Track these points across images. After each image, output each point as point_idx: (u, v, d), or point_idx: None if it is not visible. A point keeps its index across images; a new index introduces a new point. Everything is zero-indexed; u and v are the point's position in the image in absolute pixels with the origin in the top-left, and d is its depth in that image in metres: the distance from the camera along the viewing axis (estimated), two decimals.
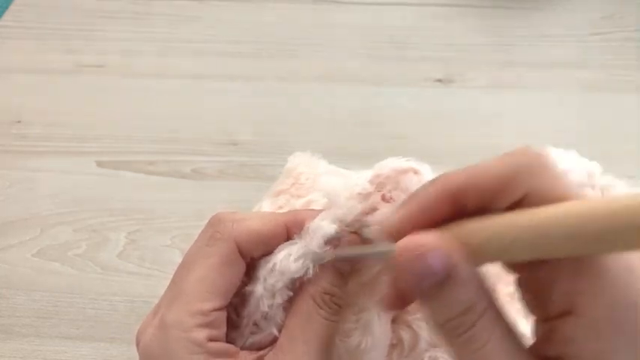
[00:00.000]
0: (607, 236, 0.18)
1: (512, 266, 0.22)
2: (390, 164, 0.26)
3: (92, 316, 0.40)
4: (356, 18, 0.59)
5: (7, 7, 0.60)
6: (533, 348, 0.21)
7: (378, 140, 0.50)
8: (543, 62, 0.55)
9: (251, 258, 0.27)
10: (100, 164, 0.49)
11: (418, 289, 0.20)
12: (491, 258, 0.20)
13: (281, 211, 0.32)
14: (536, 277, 0.21)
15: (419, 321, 0.34)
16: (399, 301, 0.23)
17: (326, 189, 0.27)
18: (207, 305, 0.25)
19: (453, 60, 0.55)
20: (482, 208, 0.20)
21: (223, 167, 0.48)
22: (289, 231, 0.27)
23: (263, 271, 0.26)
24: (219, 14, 0.60)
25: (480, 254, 0.20)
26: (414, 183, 0.26)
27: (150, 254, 0.43)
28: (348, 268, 0.27)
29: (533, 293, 0.22)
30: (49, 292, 0.42)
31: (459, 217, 0.21)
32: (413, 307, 0.34)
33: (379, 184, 0.26)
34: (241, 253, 0.26)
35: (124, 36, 0.58)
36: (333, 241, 0.26)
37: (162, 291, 0.27)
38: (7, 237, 0.45)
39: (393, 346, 0.33)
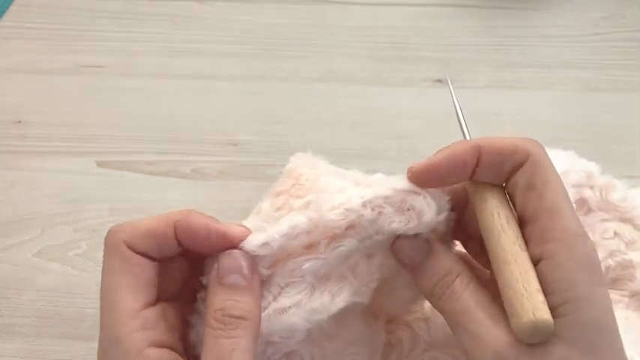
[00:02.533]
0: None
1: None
2: (392, 184, 0.27)
3: (92, 316, 0.40)
4: (356, 18, 0.59)
5: (7, 8, 0.60)
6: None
7: (378, 140, 0.50)
8: (543, 62, 0.55)
9: (151, 257, 0.27)
10: (100, 164, 0.49)
11: (412, 263, 0.27)
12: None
13: (280, 212, 0.32)
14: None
15: (419, 321, 0.34)
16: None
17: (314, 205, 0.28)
18: (134, 305, 0.26)
19: (453, 60, 0.55)
20: (494, 165, 0.27)
21: (223, 167, 0.48)
22: (177, 230, 0.27)
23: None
24: (219, 14, 0.60)
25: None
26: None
27: None
28: (243, 282, 0.26)
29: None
30: (49, 292, 0.42)
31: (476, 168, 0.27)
32: (413, 307, 0.34)
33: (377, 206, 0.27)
34: (135, 251, 0.26)
35: (124, 36, 0.58)
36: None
37: None
38: (7, 237, 0.45)
39: (392, 345, 0.33)
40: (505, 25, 0.58)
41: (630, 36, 0.56)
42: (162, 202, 0.46)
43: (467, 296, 0.26)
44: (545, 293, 0.23)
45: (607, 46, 0.56)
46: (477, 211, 0.26)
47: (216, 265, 0.26)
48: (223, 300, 0.26)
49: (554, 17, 0.58)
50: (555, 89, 0.53)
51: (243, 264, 0.26)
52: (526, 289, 0.23)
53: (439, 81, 0.54)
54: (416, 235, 0.27)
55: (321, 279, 0.27)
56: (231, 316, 0.25)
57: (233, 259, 0.26)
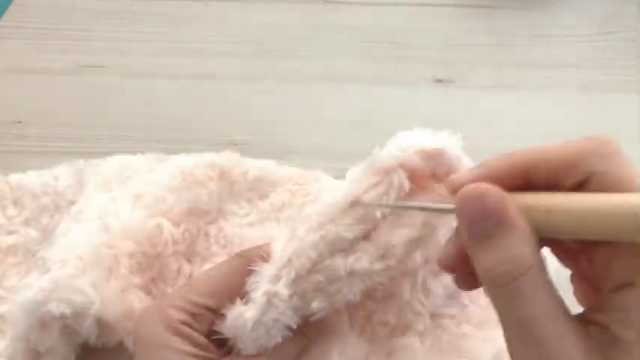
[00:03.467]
0: None
1: (572, 242, 0.23)
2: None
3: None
4: (356, 18, 0.59)
5: (6, 8, 0.60)
6: (582, 314, 0.22)
7: (378, 140, 0.49)
8: (543, 62, 0.55)
9: None
10: None
11: (471, 230, 0.21)
12: (551, 231, 0.22)
13: (280, 214, 0.32)
14: (597, 251, 0.22)
15: (425, 325, 0.34)
16: (456, 261, 0.24)
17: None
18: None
19: (453, 60, 0.55)
20: (548, 186, 0.22)
21: None
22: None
23: None
24: (219, 14, 0.60)
25: (539, 226, 0.21)
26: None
27: None
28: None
29: (592, 267, 0.23)
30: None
31: (524, 190, 0.22)
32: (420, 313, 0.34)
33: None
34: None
35: (124, 36, 0.58)
36: None
37: None
38: None
39: (399, 349, 0.33)
40: (505, 25, 0.58)
41: (630, 36, 0.56)
42: None
43: (537, 307, 0.20)
44: None
45: (607, 46, 0.56)
46: None
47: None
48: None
49: (555, 17, 0.58)
50: (555, 89, 0.53)
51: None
52: None
53: (439, 81, 0.54)
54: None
55: (311, 273, 0.28)
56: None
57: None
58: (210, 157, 0.40)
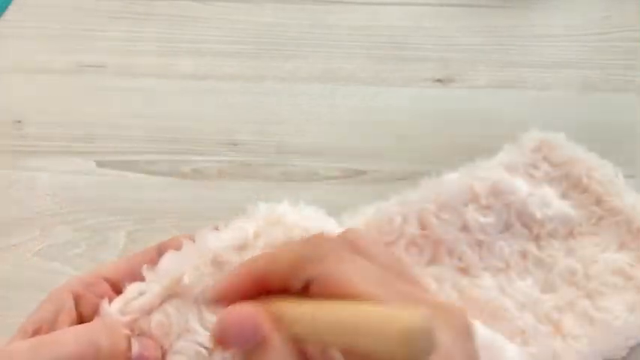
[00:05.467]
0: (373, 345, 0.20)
1: None
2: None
3: None
4: (356, 18, 0.59)
5: (7, 7, 0.60)
6: None
7: (378, 140, 0.50)
8: (543, 62, 0.55)
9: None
10: (100, 164, 0.49)
11: (238, 353, 0.22)
12: (302, 340, 0.22)
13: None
14: None
15: None
16: None
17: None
18: None
19: (453, 60, 0.55)
20: (284, 291, 0.23)
21: (223, 167, 0.48)
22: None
23: None
24: (220, 14, 0.60)
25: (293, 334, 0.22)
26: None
27: None
28: None
29: None
30: (49, 292, 0.42)
31: (269, 295, 0.23)
32: None
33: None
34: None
35: (124, 36, 0.58)
36: None
37: None
38: (7, 237, 0.45)
39: None
40: (505, 24, 0.58)
41: (630, 36, 0.56)
42: (162, 202, 0.46)
43: None
44: None
45: (607, 46, 0.56)
46: None
47: None
48: None
49: (555, 17, 0.58)
50: (555, 89, 0.53)
51: None
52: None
53: (439, 81, 0.54)
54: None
55: None
56: None
57: None
58: None
